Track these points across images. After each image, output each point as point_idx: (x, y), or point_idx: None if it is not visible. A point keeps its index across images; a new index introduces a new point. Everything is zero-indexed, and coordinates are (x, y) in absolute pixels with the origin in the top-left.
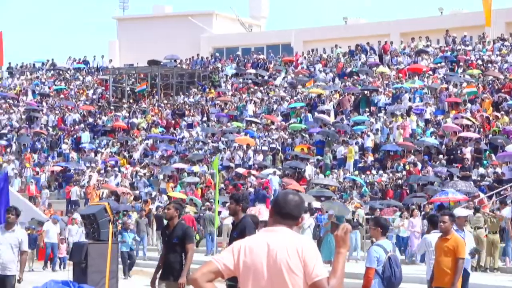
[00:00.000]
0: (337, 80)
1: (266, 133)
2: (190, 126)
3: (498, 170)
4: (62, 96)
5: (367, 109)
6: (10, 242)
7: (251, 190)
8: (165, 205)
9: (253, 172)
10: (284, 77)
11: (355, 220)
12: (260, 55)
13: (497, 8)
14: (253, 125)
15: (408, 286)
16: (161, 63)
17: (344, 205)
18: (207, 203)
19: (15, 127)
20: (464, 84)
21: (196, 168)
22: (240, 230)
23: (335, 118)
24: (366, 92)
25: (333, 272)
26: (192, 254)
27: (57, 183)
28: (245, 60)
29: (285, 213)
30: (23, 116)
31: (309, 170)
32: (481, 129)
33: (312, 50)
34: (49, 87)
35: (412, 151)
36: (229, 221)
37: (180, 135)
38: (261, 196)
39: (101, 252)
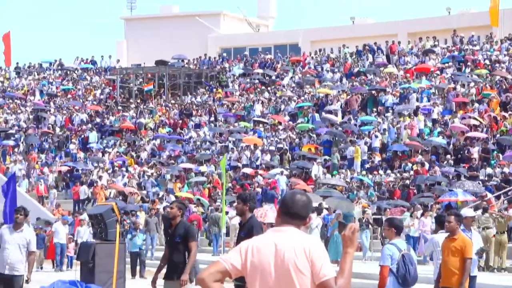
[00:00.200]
0: (344, 80)
1: (274, 133)
2: (197, 126)
3: (506, 170)
4: (69, 96)
5: (374, 109)
6: (18, 242)
7: (259, 190)
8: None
9: (260, 172)
10: (291, 77)
11: (365, 220)
12: (267, 55)
13: (505, 8)
14: (261, 125)
15: (416, 286)
16: (169, 63)
17: (348, 200)
18: (214, 204)
19: (22, 127)
20: (472, 84)
21: (203, 168)
22: (247, 230)
23: (343, 118)
24: (373, 92)
25: (341, 272)
26: (195, 252)
27: (64, 183)
28: (253, 60)
29: (293, 213)
30: (31, 116)
31: (315, 170)
32: (489, 129)
33: (320, 50)
34: (56, 87)
35: (419, 151)
36: (236, 221)
37: (187, 135)
38: (269, 196)
39: (108, 252)
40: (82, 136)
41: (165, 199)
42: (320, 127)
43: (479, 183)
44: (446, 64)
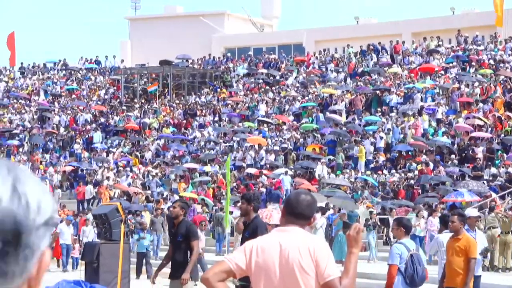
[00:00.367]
0: (348, 80)
1: (278, 133)
2: (201, 126)
3: (510, 170)
4: (74, 96)
5: (378, 109)
6: None
7: (263, 190)
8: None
9: (265, 172)
10: (295, 77)
11: (372, 220)
12: (271, 55)
13: (509, 7)
14: (265, 125)
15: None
16: (173, 63)
17: (352, 200)
18: (219, 204)
19: (27, 127)
20: (476, 84)
21: (207, 168)
22: (252, 230)
23: (347, 118)
24: (377, 92)
25: (345, 272)
26: (197, 251)
27: (68, 183)
28: (257, 60)
29: (298, 213)
30: (35, 116)
31: (319, 170)
32: (493, 129)
33: (324, 50)
34: (60, 87)
35: (424, 151)
36: (240, 221)
37: (191, 135)
38: (275, 196)
39: (113, 252)
40: (87, 136)
41: (170, 199)
42: (324, 127)
43: (483, 183)
44: (451, 64)
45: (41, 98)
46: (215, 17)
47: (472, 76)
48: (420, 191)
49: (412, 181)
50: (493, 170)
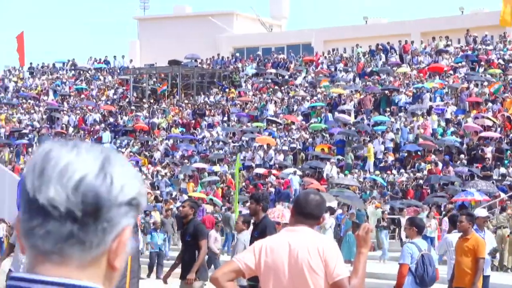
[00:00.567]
0: (357, 79)
1: (287, 133)
2: (210, 126)
3: None
4: (83, 96)
5: (387, 109)
6: None
7: (272, 190)
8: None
9: (274, 172)
10: (304, 77)
11: (385, 220)
12: (280, 55)
13: None
14: (273, 124)
15: None
16: (182, 63)
17: (360, 200)
18: (228, 203)
19: (36, 127)
20: (485, 83)
21: (216, 168)
22: (260, 230)
23: (356, 118)
24: (386, 92)
25: (354, 272)
26: (205, 251)
27: None
28: (266, 60)
29: (307, 213)
30: (44, 116)
31: (327, 169)
32: (502, 129)
33: (333, 50)
34: (69, 87)
35: (432, 151)
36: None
37: (200, 135)
38: (285, 195)
39: None
40: (96, 136)
41: (179, 199)
42: (333, 127)
43: (492, 182)
44: (460, 64)
45: (50, 98)
46: (224, 17)
47: (481, 76)
48: (429, 191)
49: (421, 181)
50: (502, 170)
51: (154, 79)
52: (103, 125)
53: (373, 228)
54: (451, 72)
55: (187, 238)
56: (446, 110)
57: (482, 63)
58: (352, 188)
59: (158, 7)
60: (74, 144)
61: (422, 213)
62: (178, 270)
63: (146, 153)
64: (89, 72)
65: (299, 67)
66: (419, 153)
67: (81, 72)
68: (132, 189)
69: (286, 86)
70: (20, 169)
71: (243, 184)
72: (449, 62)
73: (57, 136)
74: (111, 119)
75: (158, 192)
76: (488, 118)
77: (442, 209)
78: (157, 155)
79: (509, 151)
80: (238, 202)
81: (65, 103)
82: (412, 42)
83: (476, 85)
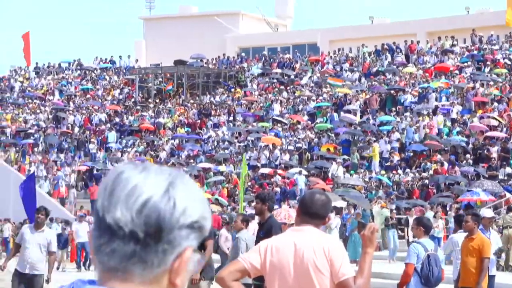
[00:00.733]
0: (363, 79)
1: (292, 133)
2: (216, 125)
3: None
4: (88, 96)
5: (393, 109)
6: (39, 242)
7: (277, 189)
8: None
9: (279, 171)
10: (310, 77)
11: (393, 219)
12: (286, 55)
13: None
14: (279, 124)
15: None
16: (187, 63)
17: (366, 200)
18: (233, 203)
19: (42, 127)
20: (491, 83)
21: (222, 168)
22: (266, 230)
23: (361, 117)
24: (392, 91)
25: (360, 271)
26: (210, 250)
27: (83, 183)
28: (271, 60)
29: (312, 213)
30: (50, 116)
31: (333, 169)
32: (508, 129)
33: (338, 50)
34: (75, 87)
35: (438, 151)
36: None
37: (206, 134)
38: (291, 193)
39: None
40: (101, 136)
41: None
42: (338, 126)
43: (498, 182)
44: (465, 64)
45: (56, 98)
46: (229, 17)
47: (487, 76)
48: (434, 190)
49: (426, 181)
50: (508, 169)
51: (160, 79)
52: (108, 125)
53: (378, 228)
54: (457, 72)
55: None
56: (452, 110)
57: (488, 63)
58: (358, 188)
59: (164, 7)
60: (144, 167)
61: (426, 212)
62: None
63: (152, 153)
64: (95, 72)
65: (305, 67)
66: (424, 153)
67: (87, 72)
68: (194, 212)
69: (291, 86)
70: (25, 169)
71: (249, 184)
72: (455, 62)
73: (63, 136)
74: (117, 119)
75: None
76: (494, 118)
77: (447, 209)
78: (162, 155)
79: None
80: (244, 202)
81: (71, 103)
82: (418, 42)
83: (482, 85)
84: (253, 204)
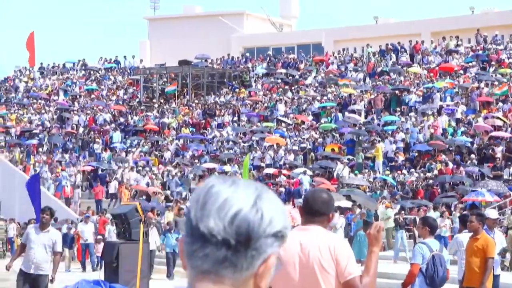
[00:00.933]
0: (367, 79)
1: (297, 133)
2: (220, 126)
3: None
4: (93, 96)
5: (398, 109)
6: (44, 242)
7: (282, 190)
8: None
9: (284, 171)
10: (314, 77)
11: (401, 219)
12: (290, 55)
13: None
14: (283, 124)
15: None
16: (192, 63)
17: (372, 199)
18: None
19: (46, 127)
20: (496, 83)
21: (227, 168)
22: None
23: (366, 118)
24: (396, 91)
25: (366, 270)
26: None
27: (88, 183)
28: (276, 60)
29: (315, 211)
30: (55, 116)
31: (339, 169)
32: None
33: (343, 50)
34: (80, 87)
35: (443, 151)
36: None
37: (210, 134)
38: (296, 192)
39: (132, 252)
40: (106, 136)
41: (189, 199)
42: (343, 126)
43: (503, 182)
44: (470, 64)
45: (61, 98)
46: (234, 17)
47: (492, 76)
48: (439, 190)
49: (431, 181)
50: None
51: (164, 79)
52: (113, 125)
53: (384, 227)
54: (462, 71)
55: None
56: (457, 110)
57: (493, 62)
58: (362, 188)
59: (168, 7)
60: (232, 182)
61: (429, 212)
62: None
63: (157, 153)
64: (100, 72)
65: (309, 67)
66: (429, 153)
67: (92, 72)
68: (279, 222)
69: (296, 86)
70: (30, 169)
71: None
72: (459, 61)
73: (67, 136)
74: (122, 119)
75: (168, 192)
76: (498, 118)
77: (452, 209)
78: (167, 155)
79: None
80: None
81: (75, 103)
82: (423, 42)
83: (487, 85)
84: None
